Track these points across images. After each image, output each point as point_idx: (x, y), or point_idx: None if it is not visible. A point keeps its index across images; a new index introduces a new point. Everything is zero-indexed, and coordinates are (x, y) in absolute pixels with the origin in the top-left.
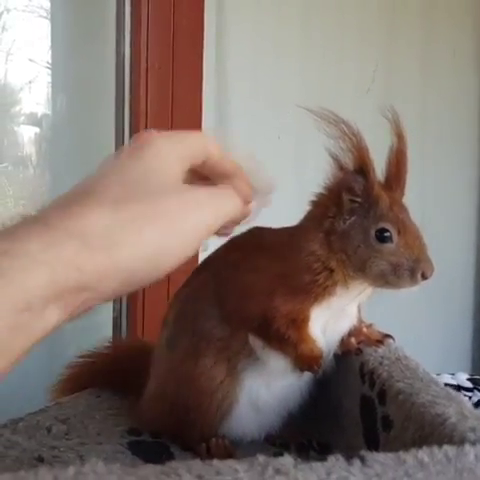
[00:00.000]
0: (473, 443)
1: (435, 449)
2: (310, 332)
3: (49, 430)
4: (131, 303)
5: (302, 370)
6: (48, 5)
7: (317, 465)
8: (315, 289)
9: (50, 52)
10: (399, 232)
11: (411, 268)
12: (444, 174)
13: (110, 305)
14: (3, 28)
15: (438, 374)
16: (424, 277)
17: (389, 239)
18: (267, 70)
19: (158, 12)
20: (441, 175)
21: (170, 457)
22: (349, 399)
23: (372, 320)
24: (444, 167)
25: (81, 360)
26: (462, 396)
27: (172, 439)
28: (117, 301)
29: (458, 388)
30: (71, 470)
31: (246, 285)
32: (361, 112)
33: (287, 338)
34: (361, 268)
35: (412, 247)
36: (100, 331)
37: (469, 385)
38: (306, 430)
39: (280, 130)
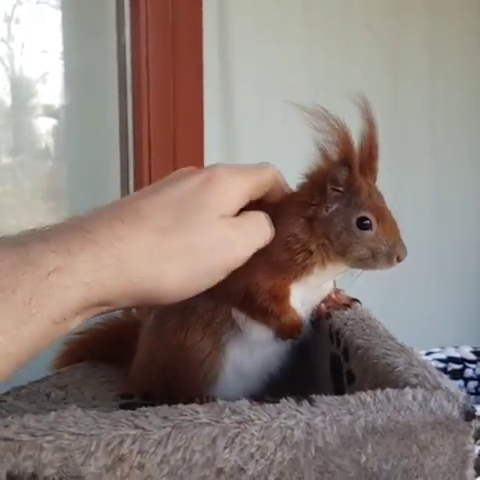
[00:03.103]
0: (414, 386)
1: (378, 391)
2: (291, 304)
3: (48, 396)
4: None
5: (284, 339)
6: None
7: (270, 406)
8: (294, 267)
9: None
10: (378, 220)
11: (388, 253)
12: (456, 157)
13: None
14: (16, 21)
15: (442, 347)
16: (399, 260)
17: (369, 227)
18: (270, 54)
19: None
20: (453, 159)
21: None
22: (321, 359)
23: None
24: (456, 151)
25: (77, 336)
26: (415, 350)
27: (161, 401)
28: None
29: (462, 360)
30: (52, 415)
31: None
32: (367, 94)
33: (270, 311)
34: (342, 252)
35: (389, 233)
36: None
37: (473, 357)
38: (286, 390)
39: (285, 114)
